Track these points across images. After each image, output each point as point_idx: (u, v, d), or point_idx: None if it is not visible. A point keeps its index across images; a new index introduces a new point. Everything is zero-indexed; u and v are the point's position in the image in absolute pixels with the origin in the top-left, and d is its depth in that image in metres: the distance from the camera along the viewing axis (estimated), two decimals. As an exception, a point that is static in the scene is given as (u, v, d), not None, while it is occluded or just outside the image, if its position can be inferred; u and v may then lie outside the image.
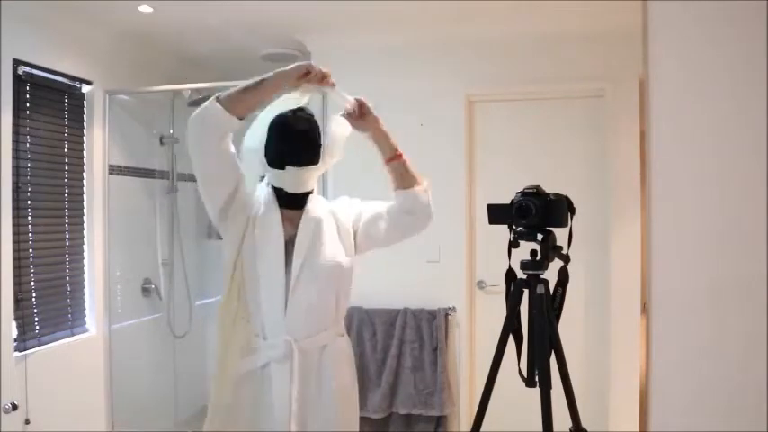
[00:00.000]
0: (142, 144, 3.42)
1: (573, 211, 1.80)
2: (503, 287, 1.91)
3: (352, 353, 1.82)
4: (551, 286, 1.83)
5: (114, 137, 3.13)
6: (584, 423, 1.81)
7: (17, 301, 2.52)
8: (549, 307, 1.80)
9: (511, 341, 1.85)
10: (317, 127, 1.71)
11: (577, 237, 1.82)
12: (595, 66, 2.90)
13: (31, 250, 2.65)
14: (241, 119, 1.57)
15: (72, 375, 2.83)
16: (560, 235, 1.83)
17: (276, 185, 1.70)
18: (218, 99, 1.54)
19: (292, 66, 1.60)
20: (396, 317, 3.09)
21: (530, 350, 1.82)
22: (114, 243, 3.11)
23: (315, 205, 1.72)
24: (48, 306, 2.74)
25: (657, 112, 1.36)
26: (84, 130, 3.00)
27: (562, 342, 1.79)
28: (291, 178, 1.66)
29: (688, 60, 1.35)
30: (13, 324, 2.49)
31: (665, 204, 1.36)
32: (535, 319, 1.80)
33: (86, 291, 3.00)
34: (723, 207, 1.34)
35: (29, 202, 2.65)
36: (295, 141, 1.65)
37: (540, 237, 1.79)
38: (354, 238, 1.74)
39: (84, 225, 3.00)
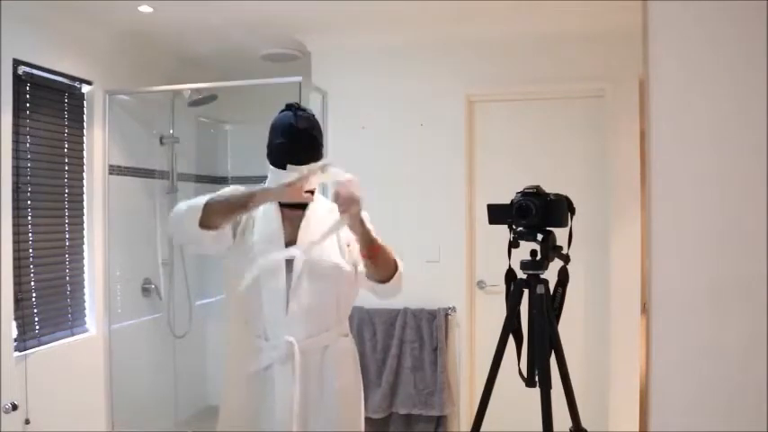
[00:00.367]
0: (142, 144, 3.42)
1: (573, 211, 1.80)
2: (503, 287, 1.91)
3: (357, 353, 1.82)
4: (551, 286, 1.83)
5: (114, 137, 3.13)
6: (585, 423, 1.81)
7: (17, 301, 2.52)
8: (549, 307, 1.80)
9: (511, 341, 1.85)
10: (318, 126, 1.71)
11: (577, 237, 1.83)
12: (595, 66, 2.90)
13: (31, 250, 2.65)
14: (216, 228, 1.58)
15: (72, 375, 2.83)
16: (560, 235, 1.83)
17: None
18: (206, 203, 1.57)
19: (281, 186, 1.57)
20: (396, 317, 3.09)
21: (530, 350, 1.82)
22: (114, 243, 3.11)
23: (316, 205, 1.72)
24: (48, 306, 2.74)
25: (657, 112, 1.36)
26: (84, 130, 3.00)
27: (562, 342, 1.79)
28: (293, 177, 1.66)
29: (688, 60, 1.35)
30: (13, 324, 2.49)
31: (665, 204, 1.36)
32: (535, 319, 1.80)
33: (86, 291, 3.00)
34: (723, 207, 1.34)
35: (29, 202, 2.65)
36: (296, 140, 1.65)
37: (540, 237, 1.79)
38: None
39: (84, 225, 3.00)
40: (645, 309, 1.38)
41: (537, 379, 1.77)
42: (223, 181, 4.14)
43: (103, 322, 3.04)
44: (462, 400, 3.11)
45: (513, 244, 1.82)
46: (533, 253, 1.81)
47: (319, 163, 1.58)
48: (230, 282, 1.67)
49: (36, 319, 2.67)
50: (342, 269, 1.68)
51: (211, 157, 4.12)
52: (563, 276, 1.83)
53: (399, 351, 3.07)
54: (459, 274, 3.11)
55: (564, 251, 1.83)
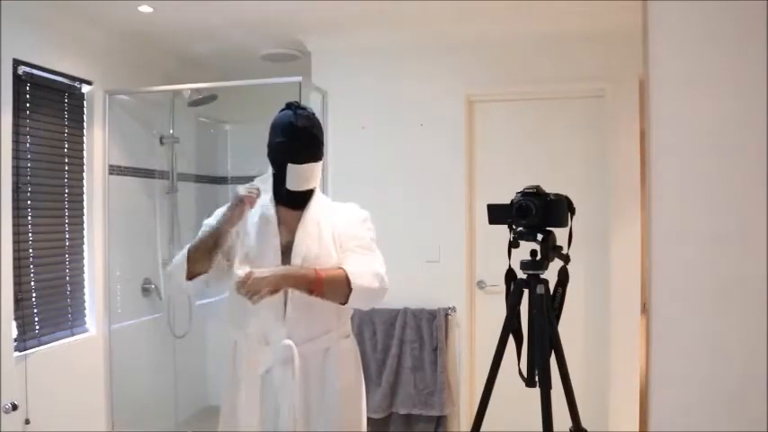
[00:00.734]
0: (142, 144, 3.42)
1: (573, 211, 1.80)
2: (503, 287, 1.91)
3: (358, 354, 1.82)
4: (551, 286, 1.83)
5: (114, 137, 3.13)
6: (585, 423, 1.81)
7: (17, 301, 2.52)
8: (549, 307, 1.80)
9: (511, 341, 1.85)
10: (318, 124, 1.71)
11: (577, 237, 1.82)
12: (595, 66, 2.90)
13: (31, 250, 2.65)
14: (206, 272, 1.66)
15: (72, 375, 2.83)
16: (560, 235, 1.83)
17: (278, 184, 1.70)
18: (187, 255, 1.66)
19: (230, 206, 1.65)
20: (396, 317, 3.09)
21: (530, 350, 1.82)
22: (114, 243, 3.11)
23: (316, 206, 1.72)
24: (48, 306, 2.74)
25: (657, 112, 1.36)
26: (84, 130, 3.00)
27: (562, 342, 1.79)
28: (292, 176, 1.66)
29: (688, 60, 1.35)
30: (13, 324, 2.49)
31: (665, 204, 1.36)
32: (535, 319, 1.80)
33: (86, 291, 3.00)
34: (723, 207, 1.34)
35: (29, 202, 2.64)
36: (296, 139, 1.65)
37: (540, 237, 1.79)
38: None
39: (84, 225, 3.00)
40: (645, 309, 1.38)
41: (537, 379, 1.77)
42: (223, 181, 4.14)
43: (103, 322, 3.03)
44: (462, 400, 3.10)
45: (513, 244, 1.82)
46: (533, 253, 1.81)
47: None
48: (230, 285, 1.66)
49: (36, 319, 2.67)
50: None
51: (211, 157, 4.12)
52: (563, 276, 1.83)
53: (399, 351, 3.07)
54: (459, 274, 3.11)
55: (564, 251, 1.83)
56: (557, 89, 3.00)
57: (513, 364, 1.85)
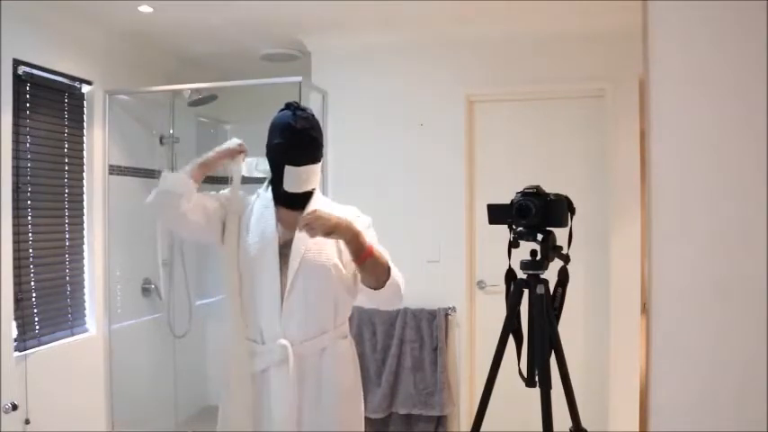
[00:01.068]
0: (142, 144, 3.42)
1: (573, 211, 1.80)
2: (503, 287, 1.91)
3: (356, 355, 1.81)
4: (551, 286, 1.83)
5: (114, 137, 3.14)
6: (585, 423, 1.81)
7: (17, 301, 2.52)
8: (549, 307, 1.80)
9: (511, 341, 1.85)
10: (318, 125, 1.71)
11: (577, 237, 1.82)
12: (595, 66, 2.90)
13: (31, 250, 2.65)
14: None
15: (72, 375, 2.83)
16: (560, 235, 1.83)
17: (277, 185, 1.70)
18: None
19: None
20: (396, 317, 3.09)
21: (530, 350, 1.82)
22: (114, 243, 3.11)
23: (315, 206, 1.71)
24: (48, 306, 2.74)
25: (657, 112, 1.36)
26: (84, 130, 3.00)
27: (562, 342, 1.79)
28: (291, 177, 1.66)
29: (688, 60, 1.35)
30: (13, 324, 2.49)
31: (665, 204, 1.36)
32: (535, 319, 1.80)
33: (86, 291, 3.00)
34: (723, 207, 1.34)
35: (29, 202, 2.65)
36: (295, 140, 1.64)
37: (540, 237, 1.79)
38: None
39: (84, 225, 3.00)
40: (645, 309, 1.38)
41: (537, 379, 1.77)
42: (223, 181, 4.12)
43: (103, 322, 3.04)
44: (462, 400, 3.10)
45: (513, 244, 1.82)
46: (533, 253, 1.81)
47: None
48: (227, 284, 1.66)
49: (36, 319, 2.67)
50: (338, 270, 1.65)
51: (211, 157, 4.11)
52: (563, 276, 1.83)
53: (399, 351, 3.07)
54: (459, 274, 3.11)
55: (564, 251, 1.82)
56: (557, 89, 3.00)
57: (513, 364, 1.85)
